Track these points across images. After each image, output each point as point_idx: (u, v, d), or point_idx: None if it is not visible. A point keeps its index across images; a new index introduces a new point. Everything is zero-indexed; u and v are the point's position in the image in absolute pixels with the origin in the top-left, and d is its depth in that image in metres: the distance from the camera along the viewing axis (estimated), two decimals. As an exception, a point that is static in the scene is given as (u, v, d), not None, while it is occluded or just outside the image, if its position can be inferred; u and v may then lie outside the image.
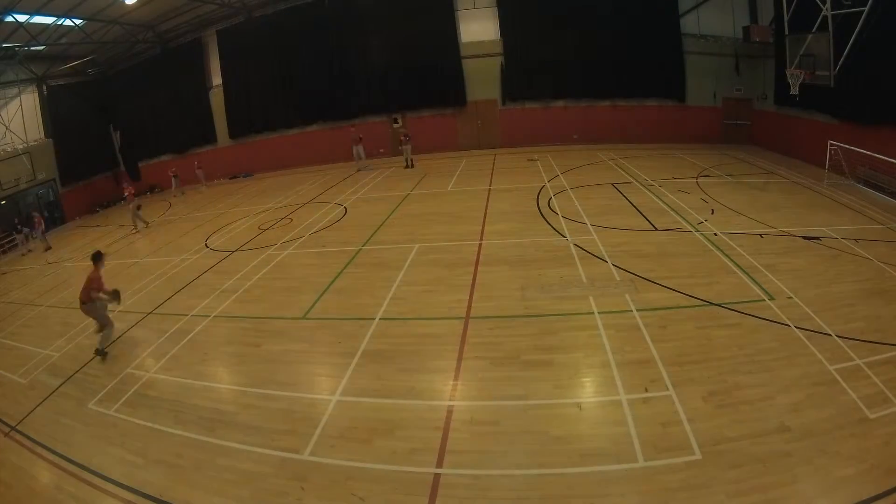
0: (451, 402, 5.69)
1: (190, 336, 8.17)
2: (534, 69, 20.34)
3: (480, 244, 10.42)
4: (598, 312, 7.16)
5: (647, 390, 5.45)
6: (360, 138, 20.69)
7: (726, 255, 8.66)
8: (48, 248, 17.32)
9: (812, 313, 6.61)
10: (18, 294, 12.60)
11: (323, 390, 6.28)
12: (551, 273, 8.62)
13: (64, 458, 5.65)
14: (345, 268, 10.07)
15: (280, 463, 5.07)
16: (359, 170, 20.45)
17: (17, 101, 21.12)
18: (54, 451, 5.82)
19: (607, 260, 8.92)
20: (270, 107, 23.02)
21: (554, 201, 12.87)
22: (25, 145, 21.30)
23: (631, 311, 7.13)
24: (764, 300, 7.08)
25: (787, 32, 13.95)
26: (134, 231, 16.87)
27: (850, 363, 5.55)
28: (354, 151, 20.50)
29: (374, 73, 21.62)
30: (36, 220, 18.06)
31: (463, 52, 20.96)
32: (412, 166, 19.71)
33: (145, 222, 17.12)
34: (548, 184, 14.70)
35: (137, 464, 5.38)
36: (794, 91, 13.94)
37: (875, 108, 12.26)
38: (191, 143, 24.60)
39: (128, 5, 17.57)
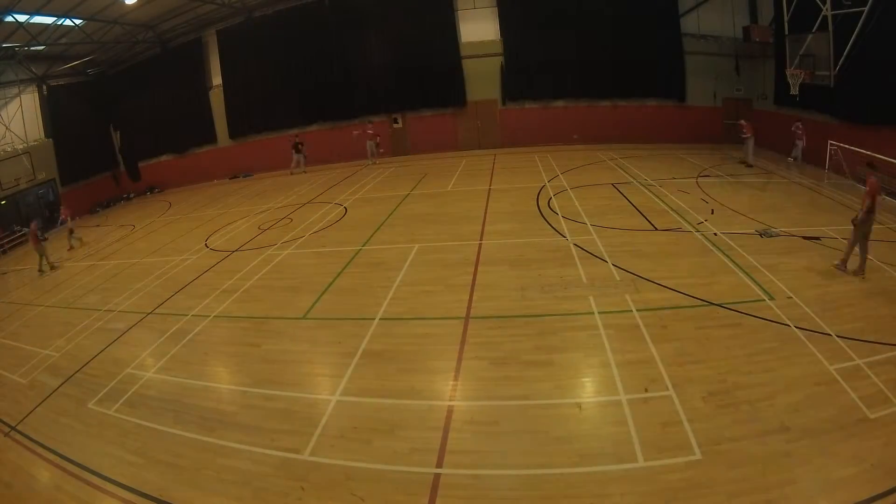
0: (451, 402, 5.69)
1: (190, 336, 8.17)
2: (534, 69, 20.33)
3: (480, 244, 10.42)
4: (598, 312, 7.16)
5: (647, 390, 5.45)
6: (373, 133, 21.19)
7: (726, 255, 8.66)
8: (70, 248, 16.15)
9: (812, 313, 6.61)
10: (18, 294, 12.60)
11: (323, 390, 6.28)
12: (551, 273, 8.62)
13: (64, 458, 5.65)
14: (345, 268, 10.07)
15: (280, 463, 5.07)
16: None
17: (17, 101, 21.09)
18: (54, 451, 5.82)
19: (607, 260, 8.92)
20: (270, 107, 22.99)
21: (554, 201, 12.87)
22: (25, 145, 21.28)
23: (631, 311, 7.13)
24: (764, 300, 7.08)
25: (787, 32, 13.96)
26: (68, 248, 16.03)
27: (850, 363, 5.55)
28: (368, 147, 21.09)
29: (374, 73, 21.61)
30: (62, 212, 17.89)
31: (463, 52, 20.95)
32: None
33: (79, 240, 16.43)
34: (548, 184, 14.70)
35: (137, 464, 5.38)
36: (794, 91, 13.95)
37: (875, 108, 12.25)
38: (191, 143, 24.60)
39: (128, 5, 17.54)
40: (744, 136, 15.25)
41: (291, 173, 21.64)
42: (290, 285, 9.66)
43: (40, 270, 13.92)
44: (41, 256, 14.03)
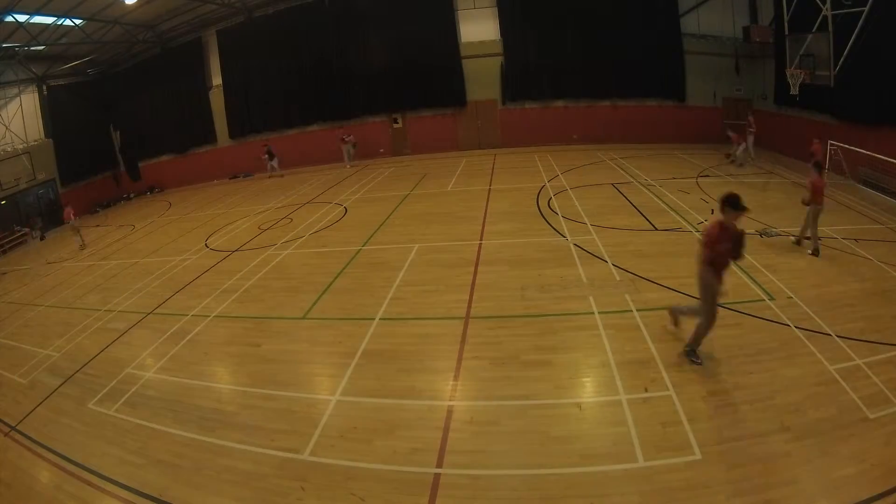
0: (451, 402, 5.69)
1: (190, 336, 8.17)
2: (534, 69, 20.36)
3: (480, 244, 10.42)
4: (598, 312, 7.16)
5: (647, 390, 5.45)
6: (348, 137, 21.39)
7: (726, 255, 8.65)
8: (83, 246, 16.26)
9: (812, 313, 6.61)
10: (18, 294, 12.61)
11: (323, 390, 6.28)
12: (551, 273, 8.62)
13: (64, 458, 5.65)
14: (345, 268, 10.07)
15: (280, 463, 5.07)
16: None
17: (17, 101, 21.11)
18: (54, 451, 5.82)
19: (607, 260, 8.92)
20: (270, 107, 23.02)
21: (554, 201, 12.87)
22: (25, 145, 21.29)
23: (631, 311, 7.13)
24: (764, 300, 7.08)
25: (787, 32, 13.96)
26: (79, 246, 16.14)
27: (850, 363, 5.55)
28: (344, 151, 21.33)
29: (374, 73, 21.62)
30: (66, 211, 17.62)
31: (463, 52, 20.96)
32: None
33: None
34: (548, 184, 14.70)
35: (137, 464, 5.38)
36: (794, 91, 13.95)
37: (875, 108, 12.26)
38: (191, 143, 24.61)
39: (128, 5, 17.55)
40: (751, 131, 15.30)
41: (269, 177, 21.95)
42: (290, 285, 9.66)
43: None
44: None
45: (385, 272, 9.56)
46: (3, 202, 20.03)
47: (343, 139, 21.54)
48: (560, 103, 20.82)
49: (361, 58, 21.69)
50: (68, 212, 17.52)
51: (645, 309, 7.13)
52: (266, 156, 21.83)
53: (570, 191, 13.74)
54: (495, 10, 20.46)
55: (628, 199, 12.40)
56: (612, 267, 8.62)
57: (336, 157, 22.17)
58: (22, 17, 15.92)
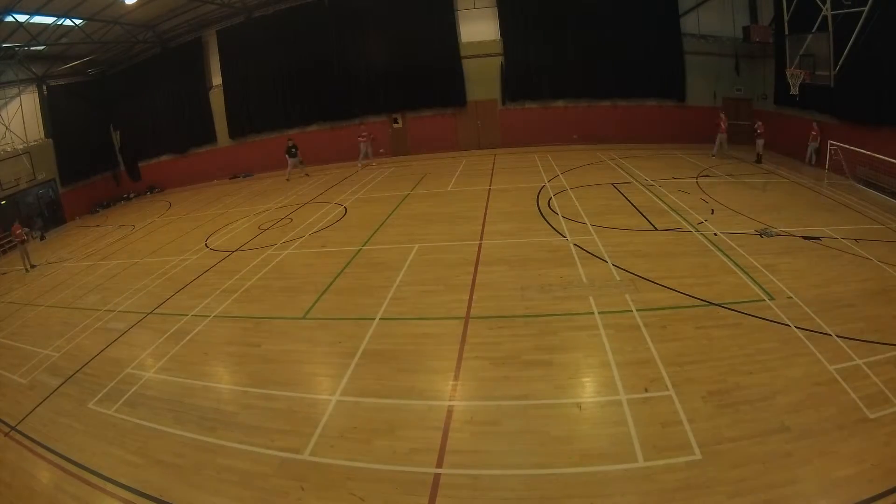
0: (451, 402, 5.69)
1: (190, 336, 8.17)
2: (534, 69, 20.35)
3: (480, 244, 10.42)
4: (598, 312, 7.16)
5: (647, 390, 5.46)
6: (368, 135, 20.52)
7: (726, 255, 8.66)
8: (32, 266, 14.75)
9: (812, 313, 6.61)
10: (18, 294, 12.61)
11: (323, 390, 6.28)
12: (551, 273, 8.62)
13: (64, 458, 5.66)
14: (345, 268, 10.07)
15: (280, 463, 5.07)
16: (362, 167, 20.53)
17: (17, 101, 21.07)
18: (54, 451, 5.82)
19: (607, 260, 8.92)
20: (270, 107, 22.99)
21: (554, 201, 12.87)
22: (25, 145, 21.27)
23: (631, 311, 7.13)
24: (764, 300, 7.08)
25: (787, 32, 13.95)
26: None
27: (850, 363, 5.55)
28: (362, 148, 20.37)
29: (374, 73, 21.60)
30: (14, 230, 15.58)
31: (463, 52, 20.95)
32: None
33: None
34: (548, 184, 14.69)
35: (137, 464, 5.38)
36: (794, 91, 13.94)
37: (875, 108, 12.26)
38: (191, 143, 24.61)
39: (128, 5, 17.53)
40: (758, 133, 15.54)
41: (288, 178, 20.55)
42: (290, 285, 9.66)
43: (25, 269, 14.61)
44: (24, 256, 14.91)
45: (385, 272, 9.56)
46: (3, 202, 20.02)
47: (361, 136, 20.50)
48: (560, 103, 20.81)
49: (361, 58, 21.66)
50: (16, 229, 15.32)
51: (645, 309, 7.13)
52: (291, 154, 20.64)
53: (570, 191, 13.73)
54: (495, 10, 20.45)
55: (628, 199, 12.39)
56: (612, 267, 8.62)
57: (337, 156, 22.15)
58: (22, 17, 15.89)
